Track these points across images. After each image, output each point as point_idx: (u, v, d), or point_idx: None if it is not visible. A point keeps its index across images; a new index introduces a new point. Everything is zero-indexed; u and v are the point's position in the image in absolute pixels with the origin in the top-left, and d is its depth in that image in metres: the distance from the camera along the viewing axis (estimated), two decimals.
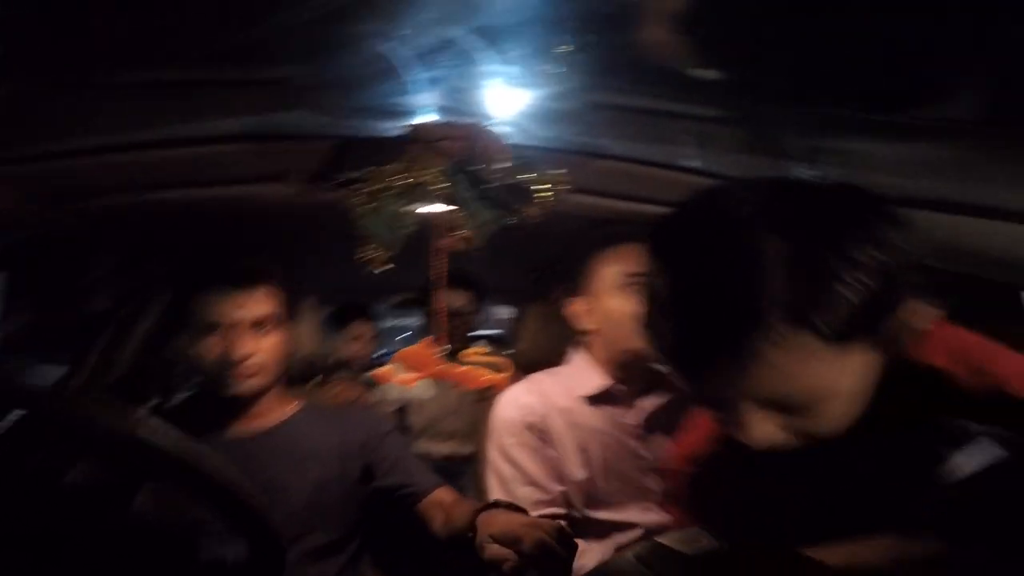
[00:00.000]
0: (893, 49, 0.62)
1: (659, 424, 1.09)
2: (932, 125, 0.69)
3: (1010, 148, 0.67)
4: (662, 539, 0.49)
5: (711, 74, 0.77)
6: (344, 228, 0.82)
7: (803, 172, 0.93)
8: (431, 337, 0.83)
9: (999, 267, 0.86)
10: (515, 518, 0.69)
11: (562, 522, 0.67)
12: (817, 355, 0.43)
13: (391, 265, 0.71)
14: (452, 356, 1.52)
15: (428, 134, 0.69)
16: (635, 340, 1.03)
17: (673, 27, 0.63)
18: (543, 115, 0.77)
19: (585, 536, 1.00)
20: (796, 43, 0.66)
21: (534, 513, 1.00)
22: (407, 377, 0.74)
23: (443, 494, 1.00)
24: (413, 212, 0.71)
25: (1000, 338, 0.58)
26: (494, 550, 0.64)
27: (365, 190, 0.70)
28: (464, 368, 0.76)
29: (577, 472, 1.04)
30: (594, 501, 1.04)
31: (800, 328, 0.42)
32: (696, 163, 1.04)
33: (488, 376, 0.76)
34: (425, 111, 0.78)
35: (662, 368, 1.16)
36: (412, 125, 0.71)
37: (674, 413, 1.07)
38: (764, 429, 0.48)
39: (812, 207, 0.46)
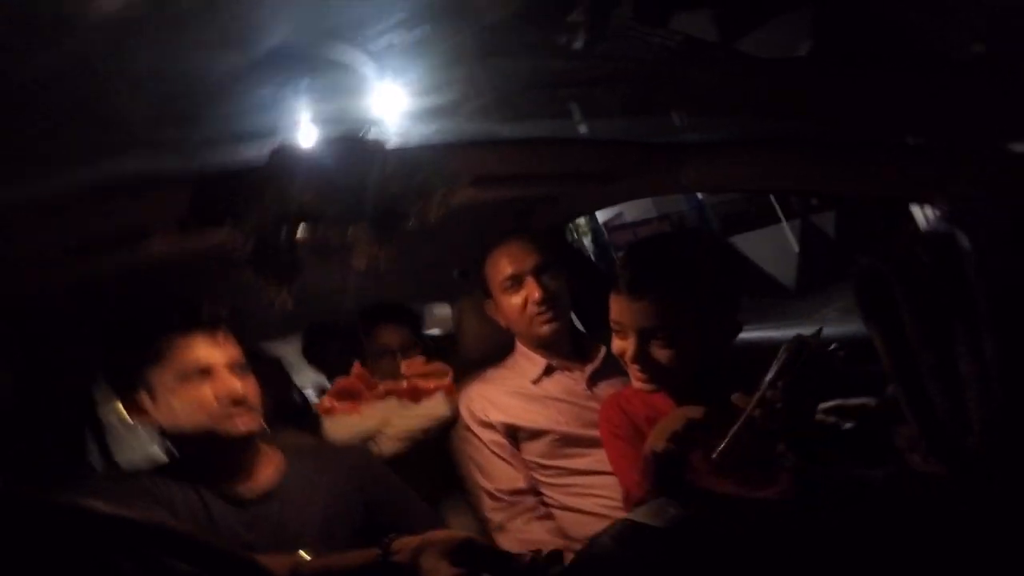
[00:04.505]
0: None
1: (602, 380, 1.23)
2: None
3: None
4: (632, 515, 0.51)
5: (579, 40, 0.78)
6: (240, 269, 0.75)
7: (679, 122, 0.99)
8: (358, 364, 0.79)
9: None
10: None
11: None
12: None
13: (290, 304, 0.66)
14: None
15: (295, 154, 0.64)
16: (534, 329, 1.19)
17: None
18: (431, 111, 0.74)
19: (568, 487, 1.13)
20: None
21: (504, 501, 1.14)
22: (351, 406, 0.71)
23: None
24: (301, 240, 0.65)
25: None
26: None
27: (246, 226, 0.63)
28: (408, 383, 0.73)
29: (554, 428, 1.16)
30: (573, 447, 1.15)
31: None
32: (584, 130, 1.07)
33: (433, 383, 0.74)
34: (297, 126, 0.72)
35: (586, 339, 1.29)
36: (277, 146, 0.65)
37: (611, 371, 1.21)
38: None
39: None
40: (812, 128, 0.80)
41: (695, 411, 0.75)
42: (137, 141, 0.62)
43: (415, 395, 0.68)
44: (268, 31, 0.54)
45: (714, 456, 0.67)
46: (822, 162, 0.80)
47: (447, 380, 0.72)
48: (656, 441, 0.77)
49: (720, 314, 0.91)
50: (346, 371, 1.75)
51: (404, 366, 0.72)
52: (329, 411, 0.67)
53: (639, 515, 0.51)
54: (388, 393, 0.67)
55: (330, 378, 1.76)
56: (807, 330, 1.44)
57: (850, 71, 0.61)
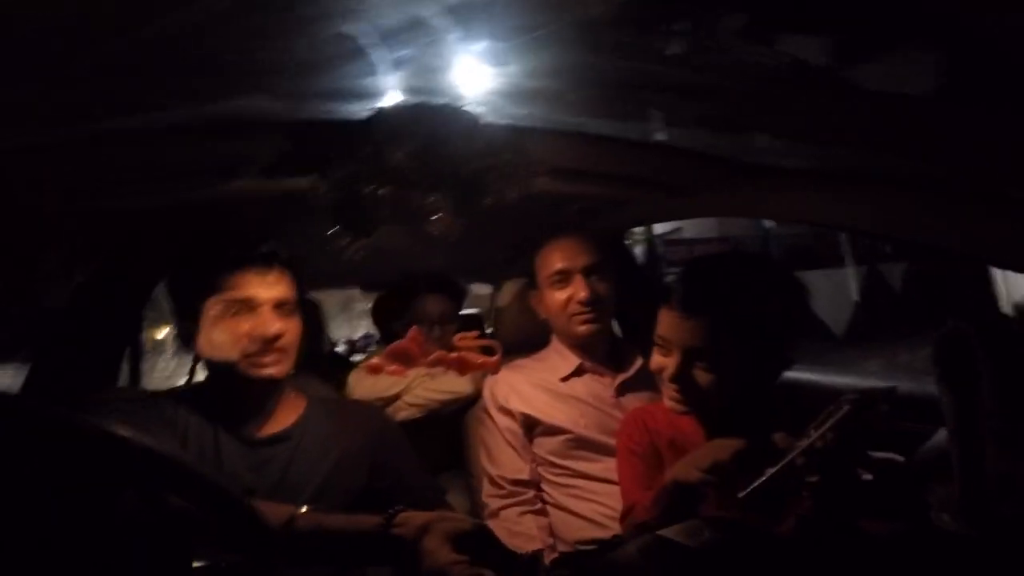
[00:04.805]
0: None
1: (631, 391, 1.22)
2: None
3: None
4: (664, 532, 0.50)
5: (676, 47, 0.76)
6: (313, 216, 0.79)
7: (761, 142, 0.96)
8: (416, 328, 0.82)
9: None
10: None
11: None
12: None
13: (363, 253, 0.69)
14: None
15: (396, 117, 0.66)
16: (571, 327, 1.19)
17: None
18: (515, 94, 0.75)
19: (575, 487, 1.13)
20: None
21: (505, 490, 1.14)
22: (400, 369, 0.73)
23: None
24: (385, 198, 0.69)
25: None
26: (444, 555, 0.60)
27: (333, 177, 0.67)
28: (457, 354, 0.75)
29: (572, 429, 1.15)
30: (586, 451, 1.15)
31: None
32: (663, 138, 1.05)
33: (481, 360, 0.75)
34: (391, 92, 0.75)
35: (628, 346, 1.28)
36: (378, 108, 0.68)
37: (643, 384, 1.20)
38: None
39: None
40: (911, 170, 0.75)
41: (739, 444, 0.71)
42: (252, 86, 0.66)
43: (463, 367, 0.69)
44: (382, 2, 0.56)
45: (742, 494, 0.64)
46: (917, 208, 0.75)
47: (495, 359, 0.72)
48: (687, 471, 0.74)
49: (773, 347, 0.87)
50: (386, 331, 1.81)
51: (457, 338, 0.73)
52: (377, 370, 0.69)
53: (672, 532, 0.51)
54: (438, 362, 0.68)
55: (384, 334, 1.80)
56: (851, 380, 1.38)
57: (971, 117, 0.57)
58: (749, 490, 0.64)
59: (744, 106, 0.88)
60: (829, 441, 0.62)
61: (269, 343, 0.88)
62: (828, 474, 0.63)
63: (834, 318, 8.39)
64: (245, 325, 0.88)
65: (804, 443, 0.64)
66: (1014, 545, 0.42)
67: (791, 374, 1.31)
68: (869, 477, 0.67)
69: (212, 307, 0.88)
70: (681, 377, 0.87)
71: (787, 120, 0.80)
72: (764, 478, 0.64)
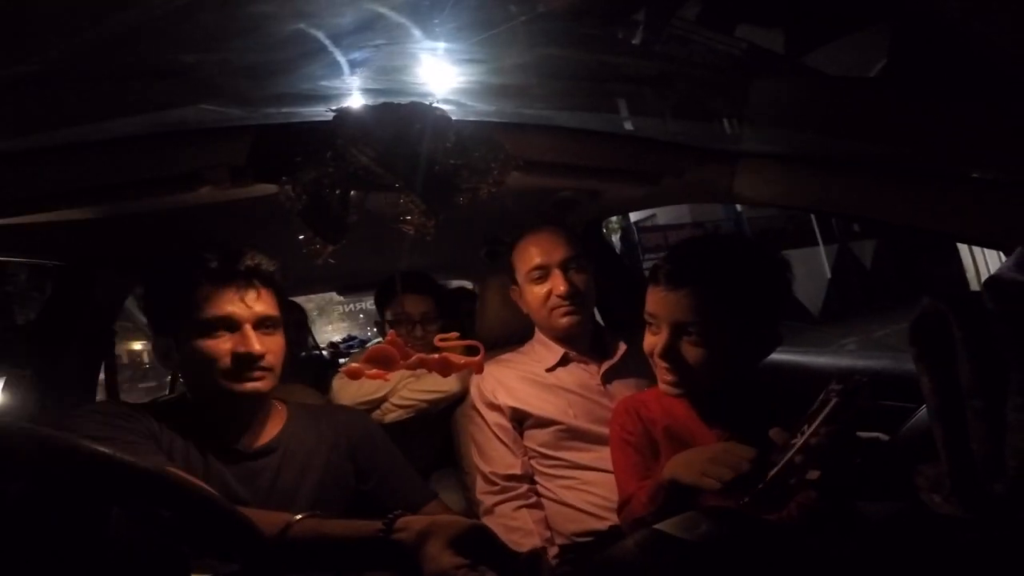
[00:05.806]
0: None
1: (617, 378, 1.22)
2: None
3: None
4: (661, 526, 0.50)
5: (639, 37, 0.77)
6: (285, 221, 0.77)
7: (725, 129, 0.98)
8: (393, 331, 0.81)
9: None
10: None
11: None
12: None
13: (332, 260, 0.68)
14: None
15: (360, 118, 0.65)
16: (553, 320, 1.20)
17: None
18: (482, 90, 0.75)
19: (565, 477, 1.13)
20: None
21: (498, 485, 1.14)
22: (381, 372, 0.72)
23: (434, 510, 0.99)
24: (354, 201, 0.68)
25: None
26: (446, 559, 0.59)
27: (298, 182, 0.66)
28: (440, 355, 0.73)
29: (562, 420, 1.15)
30: (577, 441, 1.15)
31: None
32: (631, 127, 1.06)
33: (464, 360, 0.74)
34: (356, 93, 0.74)
35: (610, 336, 1.29)
36: (341, 108, 0.67)
37: (628, 370, 1.22)
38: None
39: None
40: (874, 151, 0.77)
41: (753, 452, 0.69)
42: (207, 91, 0.64)
43: (445, 369, 0.68)
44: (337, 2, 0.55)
45: (747, 500, 0.63)
46: (882, 188, 0.77)
47: (478, 358, 0.71)
48: (700, 479, 0.72)
49: (757, 322, 0.88)
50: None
51: (438, 339, 0.71)
52: (357, 374, 0.68)
53: (669, 526, 0.50)
54: (420, 364, 0.67)
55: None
56: (829, 360, 1.41)
57: (923, 96, 0.58)
58: (753, 494, 0.64)
59: (708, 93, 0.89)
60: (823, 435, 0.63)
61: (253, 361, 0.86)
62: (827, 467, 0.63)
63: (809, 297, 8.61)
64: (227, 344, 0.86)
65: (800, 440, 0.64)
66: (1007, 525, 0.42)
67: (771, 356, 1.34)
68: (857, 459, 0.68)
69: (192, 323, 0.85)
70: (670, 352, 0.87)
71: (751, 106, 0.82)
72: (767, 481, 0.64)
